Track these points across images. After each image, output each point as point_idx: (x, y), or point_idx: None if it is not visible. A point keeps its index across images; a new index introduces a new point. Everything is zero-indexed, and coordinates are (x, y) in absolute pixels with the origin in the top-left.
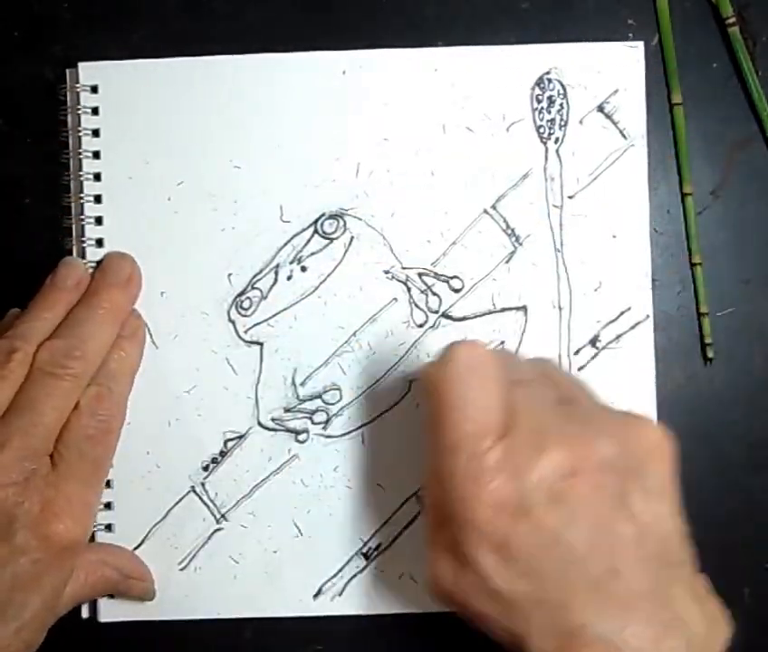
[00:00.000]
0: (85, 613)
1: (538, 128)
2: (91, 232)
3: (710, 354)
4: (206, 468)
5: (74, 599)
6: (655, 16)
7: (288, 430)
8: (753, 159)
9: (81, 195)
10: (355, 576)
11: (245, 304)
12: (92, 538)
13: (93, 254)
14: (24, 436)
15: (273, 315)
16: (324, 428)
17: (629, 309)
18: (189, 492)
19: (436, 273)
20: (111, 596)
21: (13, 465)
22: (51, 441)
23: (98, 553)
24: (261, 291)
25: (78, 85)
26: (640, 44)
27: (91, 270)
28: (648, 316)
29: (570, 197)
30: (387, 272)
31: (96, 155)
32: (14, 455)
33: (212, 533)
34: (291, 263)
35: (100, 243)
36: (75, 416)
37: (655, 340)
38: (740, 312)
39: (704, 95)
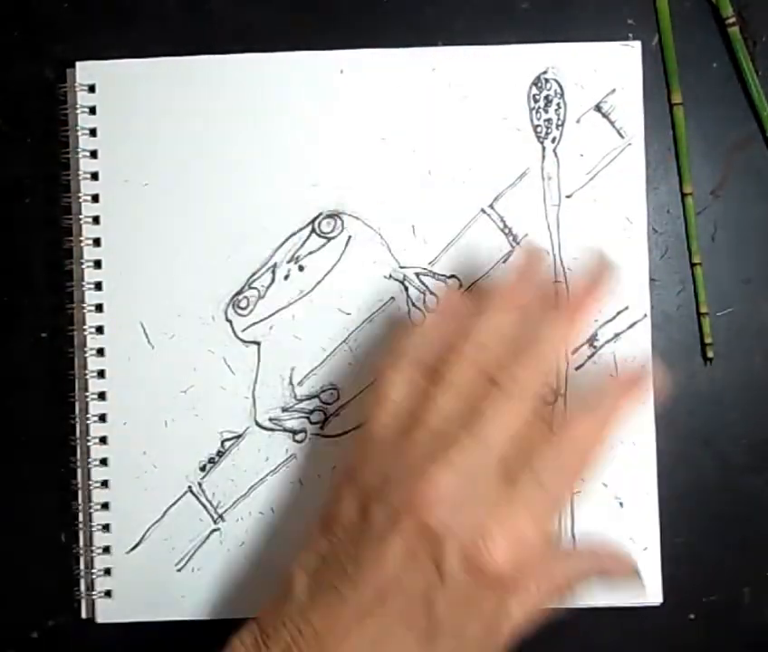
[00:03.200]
0: (84, 614)
1: (535, 127)
2: (89, 231)
3: (710, 354)
4: (203, 468)
5: (532, 616)
6: (655, 16)
7: (285, 430)
8: (753, 159)
9: (80, 194)
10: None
11: (243, 304)
12: (91, 538)
13: (90, 253)
14: (469, 455)
15: (271, 315)
16: (322, 428)
17: (627, 308)
18: (186, 492)
19: (433, 273)
20: (109, 596)
21: (449, 485)
22: (502, 460)
23: (558, 565)
24: (258, 290)
25: (76, 84)
26: (637, 44)
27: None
28: (645, 315)
29: (567, 197)
30: (384, 271)
31: (93, 154)
32: (453, 475)
33: (209, 534)
34: (288, 262)
35: (97, 242)
36: (547, 443)
37: (655, 339)
38: (740, 312)
39: (704, 95)
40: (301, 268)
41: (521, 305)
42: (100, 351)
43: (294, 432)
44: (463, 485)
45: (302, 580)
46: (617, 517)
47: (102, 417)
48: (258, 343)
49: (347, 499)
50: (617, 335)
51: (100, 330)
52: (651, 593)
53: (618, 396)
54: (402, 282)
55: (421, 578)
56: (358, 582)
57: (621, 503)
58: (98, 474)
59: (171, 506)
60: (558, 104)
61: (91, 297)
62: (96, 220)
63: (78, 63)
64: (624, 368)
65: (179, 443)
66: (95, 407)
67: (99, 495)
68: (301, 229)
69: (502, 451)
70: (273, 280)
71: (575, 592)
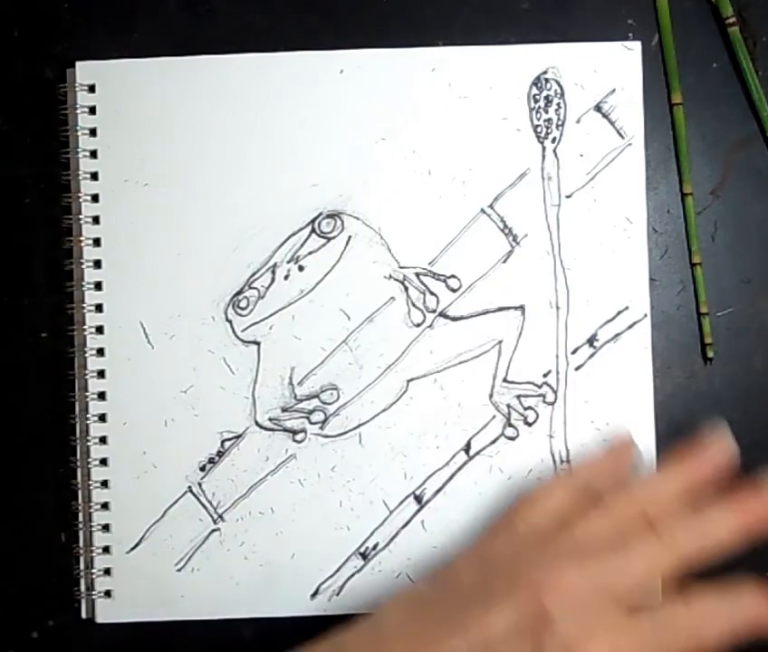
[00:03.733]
0: (84, 614)
1: (535, 127)
2: (89, 231)
3: (710, 354)
4: (202, 468)
5: None
6: (655, 16)
7: (285, 430)
8: (752, 159)
9: (80, 194)
10: (353, 575)
11: (243, 304)
12: (91, 538)
13: (90, 253)
14: (606, 570)
15: (271, 315)
16: (322, 428)
17: (627, 308)
18: (186, 492)
19: (433, 273)
20: (109, 596)
21: (578, 584)
22: (629, 592)
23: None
24: (258, 290)
25: (76, 84)
26: (637, 44)
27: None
28: (645, 315)
29: (567, 197)
30: (384, 271)
31: (93, 154)
32: (585, 578)
33: (209, 534)
34: (288, 262)
35: (97, 242)
36: (674, 605)
37: (655, 339)
38: (740, 312)
39: (704, 95)
40: (301, 268)
41: (696, 482)
42: (100, 351)
43: (294, 432)
44: (587, 593)
45: (391, 616)
46: None
47: (102, 417)
48: (258, 343)
49: (468, 565)
50: (617, 335)
51: (100, 330)
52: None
53: (754, 613)
54: (402, 283)
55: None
56: (456, 631)
57: None
58: (98, 474)
59: (171, 506)
60: (558, 104)
61: (90, 297)
62: (96, 220)
63: (78, 63)
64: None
65: (179, 443)
66: (95, 407)
67: (99, 495)
68: (301, 229)
69: (635, 584)
70: (273, 280)
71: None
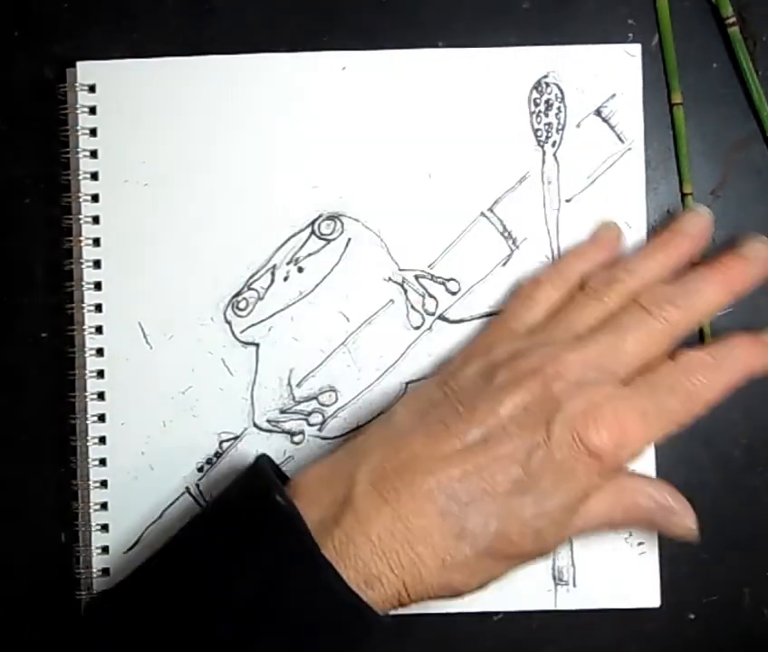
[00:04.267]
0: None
1: (535, 131)
2: (88, 231)
3: None
4: (200, 469)
5: (601, 516)
6: (655, 16)
7: (283, 431)
8: (752, 159)
9: (79, 194)
10: None
11: (242, 305)
12: (90, 539)
13: (90, 253)
14: (601, 351)
15: (270, 316)
16: (320, 430)
17: None
18: (184, 493)
19: (432, 276)
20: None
21: (577, 366)
22: (626, 368)
23: (633, 481)
24: (257, 291)
25: (76, 84)
26: (638, 49)
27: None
28: None
29: (567, 201)
30: (384, 274)
31: (93, 154)
32: (583, 360)
33: None
34: (288, 263)
35: (97, 242)
36: (667, 366)
37: None
38: (740, 312)
39: (704, 95)
40: (300, 270)
41: (680, 256)
42: (100, 351)
43: (292, 434)
44: (588, 372)
45: (403, 415)
46: None
47: (101, 418)
48: (257, 345)
49: (472, 365)
50: None
51: (99, 330)
52: (649, 596)
53: (747, 356)
54: (401, 285)
55: (529, 434)
56: (468, 420)
57: None
58: (96, 474)
59: (169, 507)
60: (558, 108)
61: (90, 297)
62: (96, 220)
63: (78, 63)
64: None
65: (177, 444)
66: (94, 408)
67: (97, 495)
68: (300, 231)
69: (631, 361)
70: (272, 281)
71: (637, 515)
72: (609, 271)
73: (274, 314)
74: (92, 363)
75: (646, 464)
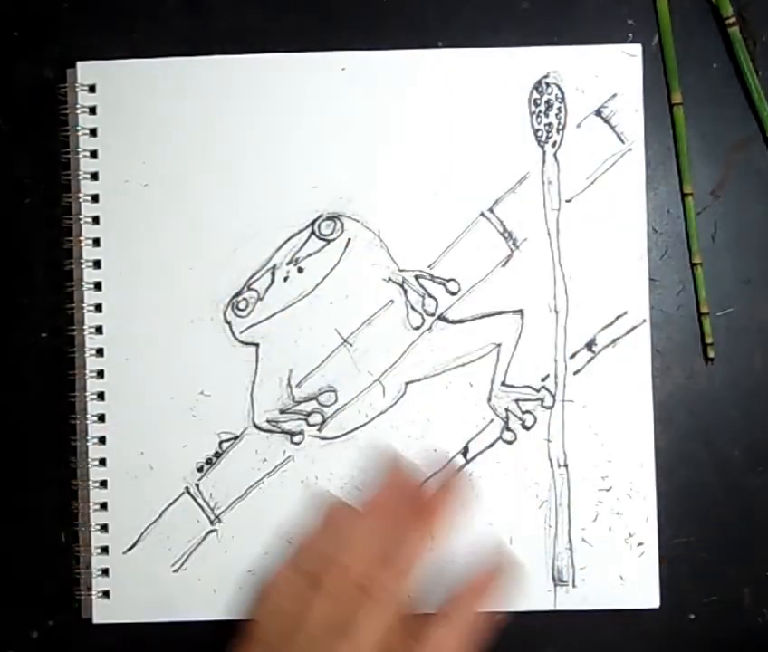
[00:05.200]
0: (84, 614)
1: (536, 131)
2: (89, 231)
3: (710, 354)
4: (200, 469)
5: None
6: (655, 16)
7: (283, 431)
8: (752, 159)
9: (80, 194)
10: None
11: (242, 305)
12: (90, 539)
13: (90, 253)
14: None
15: (270, 316)
16: (319, 430)
17: (626, 313)
18: (184, 493)
19: (432, 276)
20: (107, 596)
21: None
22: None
23: None
24: (257, 291)
25: (76, 84)
26: (638, 49)
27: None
28: (644, 320)
29: (567, 201)
30: (384, 274)
31: (93, 154)
32: None
33: (206, 534)
34: (287, 264)
35: (97, 242)
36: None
37: (655, 340)
38: (740, 312)
39: (704, 95)
40: (300, 270)
41: (389, 514)
42: (100, 351)
43: (292, 434)
44: None
45: None
46: (614, 519)
47: (101, 418)
48: (257, 345)
49: None
50: (615, 340)
51: (99, 330)
52: (649, 596)
53: (471, 603)
54: (401, 285)
55: None
56: None
57: (619, 505)
58: (96, 474)
59: (168, 507)
60: (559, 108)
61: (90, 297)
62: (96, 220)
63: (78, 63)
64: (622, 373)
65: (177, 443)
66: (94, 408)
67: (97, 495)
68: (300, 231)
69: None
70: (272, 281)
71: None
72: (332, 557)
73: (274, 314)
74: (92, 363)
75: (646, 464)
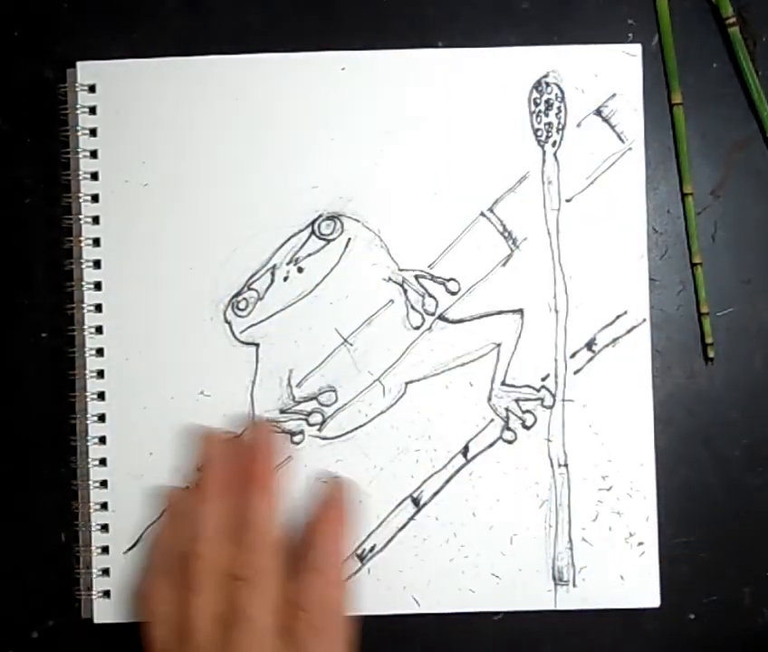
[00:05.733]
0: (84, 614)
1: (536, 131)
2: (88, 231)
3: (710, 354)
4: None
5: None
6: (655, 16)
7: (283, 431)
8: (753, 159)
9: (80, 194)
10: (350, 577)
11: (242, 305)
12: (90, 539)
13: (90, 253)
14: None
15: (270, 316)
16: (320, 430)
17: (626, 312)
18: None
19: (432, 276)
20: (108, 596)
21: None
22: (265, 629)
23: None
24: (257, 291)
25: (76, 84)
26: (638, 49)
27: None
28: (644, 320)
29: (567, 201)
30: (384, 274)
31: (93, 154)
32: None
33: None
34: (287, 264)
35: (97, 242)
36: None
37: (655, 340)
38: (740, 312)
39: (704, 95)
40: (300, 270)
41: (227, 487)
42: (100, 351)
43: (292, 434)
44: None
45: None
46: (614, 519)
47: (101, 417)
48: (257, 345)
49: None
50: (616, 339)
51: (99, 330)
52: (649, 596)
53: (329, 543)
54: (401, 285)
55: None
56: None
57: (619, 505)
58: (96, 474)
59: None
60: (559, 108)
61: (90, 297)
62: (96, 220)
63: (78, 63)
64: (622, 373)
65: (177, 443)
66: (94, 408)
67: (97, 495)
68: (300, 231)
69: (272, 632)
70: (272, 281)
71: None
72: (191, 551)
73: (274, 314)
74: (92, 363)
75: (646, 464)
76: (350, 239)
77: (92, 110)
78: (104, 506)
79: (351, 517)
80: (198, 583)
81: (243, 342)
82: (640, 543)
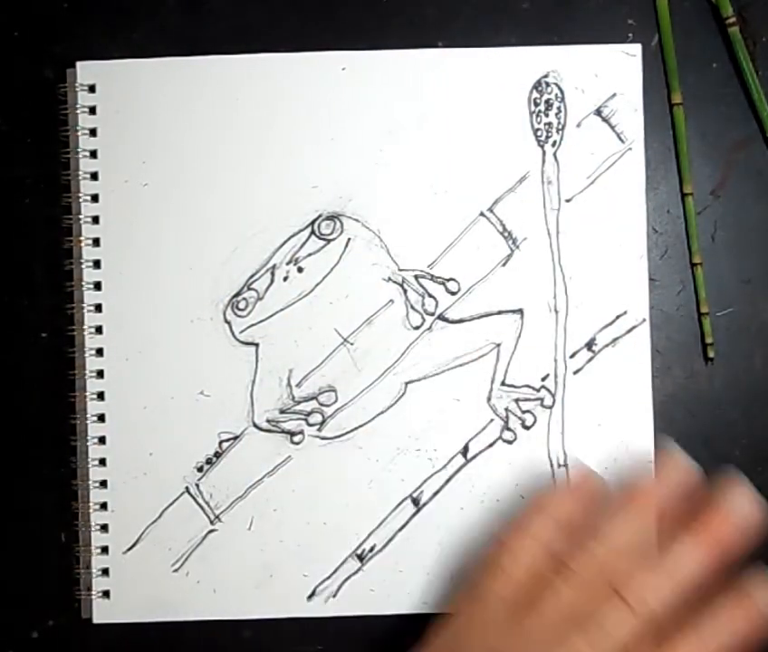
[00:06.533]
0: (84, 614)
1: (536, 131)
2: (88, 231)
3: (710, 354)
4: (200, 469)
5: None
6: (655, 16)
7: (283, 431)
8: (753, 159)
9: (79, 194)
10: (349, 577)
11: (241, 305)
12: (89, 539)
13: (90, 253)
14: (579, 649)
15: (269, 316)
16: (319, 430)
17: (626, 312)
18: (184, 493)
19: (432, 276)
20: (107, 596)
21: None
22: None
23: None
24: (257, 291)
25: (76, 84)
26: (638, 49)
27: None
28: (644, 320)
29: (567, 201)
30: (383, 274)
31: (93, 154)
32: None
33: (206, 535)
34: (287, 263)
35: (97, 242)
36: None
37: (655, 340)
38: (740, 312)
39: (704, 95)
40: (300, 270)
41: (656, 513)
42: (99, 351)
43: (292, 434)
44: None
45: None
46: None
47: (101, 417)
48: (256, 345)
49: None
50: (615, 339)
51: (99, 330)
52: None
53: (728, 627)
54: (401, 285)
55: None
56: None
57: None
58: (96, 474)
59: (168, 507)
60: (558, 108)
61: (90, 297)
62: (96, 220)
63: (78, 63)
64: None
65: (177, 443)
66: (94, 408)
67: (97, 495)
68: (300, 231)
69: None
70: (272, 281)
71: None
72: (585, 544)
73: (274, 314)
74: (92, 363)
75: (645, 465)
76: (349, 239)
77: (92, 110)
78: (104, 506)
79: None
80: (573, 575)
81: (242, 342)
82: None
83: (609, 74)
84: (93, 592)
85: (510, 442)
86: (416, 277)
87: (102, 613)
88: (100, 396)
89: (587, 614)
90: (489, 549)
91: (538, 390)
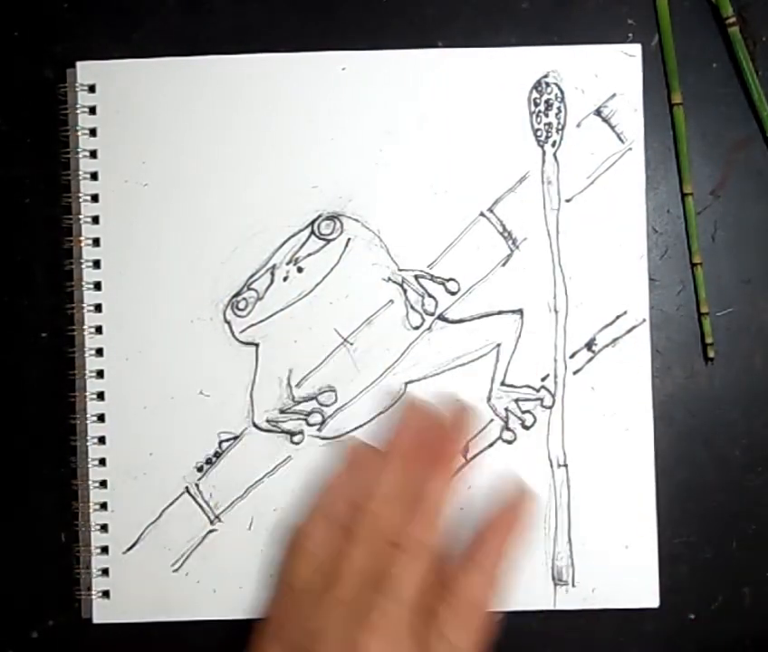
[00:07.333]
0: (84, 614)
1: (535, 131)
2: (88, 231)
3: (710, 354)
4: (200, 469)
5: None
6: (655, 16)
7: (283, 431)
8: (753, 159)
9: (79, 194)
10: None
11: (241, 305)
12: (89, 538)
13: (90, 253)
14: (380, 608)
15: (269, 316)
16: (319, 430)
17: (626, 312)
18: (183, 492)
19: (432, 276)
20: (107, 596)
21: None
22: (404, 604)
23: None
24: (257, 291)
25: (76, 84)
26: (638, 49)
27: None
28: (644, 320)
29: (567, 201)
30: (383, 274)
31: (93, 154)
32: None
33: (206, 534)
34: (287, 263)
35: (97, 242)
36: (444, 609)
37: (655, 340)
38: (740, 312)
39: (704, 95)
40: (300, 270)
41: (411, 457)
42: (99, 351)
43: (292, 434)
44: (385, 648)
45: None
46: (614, 520)
47: (101, 417)
48: (256, 345)
49: (267, 642)
50: (615, 340)
51: (99, 330)
52: (648, 596)
53: (498, 545)
54: (401, 285)
55: None
56: None
57: (619, 506)
58: (96, 474)
59: (168, 507)
60: (558, 108)
61: (90, 297)
62: (96, 220)
63: (78, 63)
64: (622, 373)
65: (177, 443)
66: (94, 408)
67: (97, 495)
68: (300, 231)
69: (412, 607)
70: (271, 281)
71: None
72: (360, 506)
73: (274, 314)
74: (92, 363)
75: (645, 465)
76: (349, 239)
77: (92, 110)
78: (104, 506)
79: (527, 528)
80: (359, 537)
81: (242, 342)
82: (640, 543)
83: (608, 74)
84: (93, 592)
85: (510, 442)
86: (416, 277)
87: (102, 613)
88: (100, 396)
89: (379, 572)
90: (288, 537)
91: (538, 390)
